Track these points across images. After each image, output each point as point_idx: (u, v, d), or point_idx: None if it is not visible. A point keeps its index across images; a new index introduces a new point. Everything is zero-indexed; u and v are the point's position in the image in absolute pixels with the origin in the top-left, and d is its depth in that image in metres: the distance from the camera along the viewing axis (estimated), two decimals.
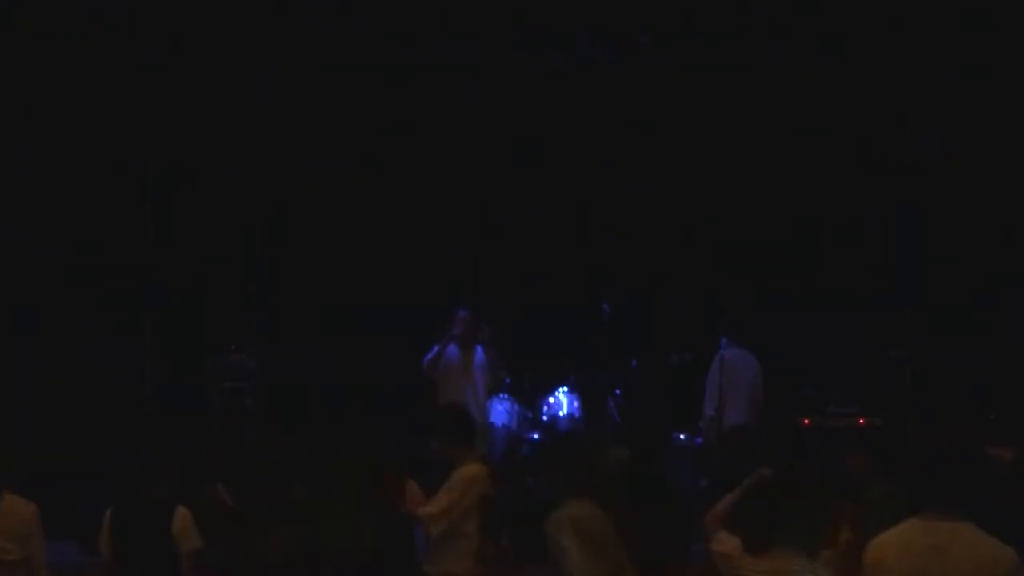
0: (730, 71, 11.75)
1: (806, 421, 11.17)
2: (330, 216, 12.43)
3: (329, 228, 12.42)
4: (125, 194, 11.93)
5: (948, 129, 11.31)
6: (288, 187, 12.26)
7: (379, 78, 12.00)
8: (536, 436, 10.91)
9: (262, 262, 12.09)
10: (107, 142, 11.60)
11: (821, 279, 11.99)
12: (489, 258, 12.22)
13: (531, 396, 11.18)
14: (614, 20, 11.56)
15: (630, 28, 11.59)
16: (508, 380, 11.20)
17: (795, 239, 12.08)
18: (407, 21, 11.68)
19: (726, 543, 5.43)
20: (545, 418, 11.13)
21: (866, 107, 11.48)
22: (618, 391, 11.30)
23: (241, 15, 11.51)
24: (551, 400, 11.21)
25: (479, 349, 10.29)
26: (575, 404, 11.16)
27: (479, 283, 11.37)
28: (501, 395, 11.04)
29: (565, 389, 11.24)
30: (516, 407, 11.00)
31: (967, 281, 11.44)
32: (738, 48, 11.57)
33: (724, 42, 11.55)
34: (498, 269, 12.16)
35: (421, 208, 12.41)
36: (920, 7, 11.11)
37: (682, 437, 10.99)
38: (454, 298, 10.49)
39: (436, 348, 10.18)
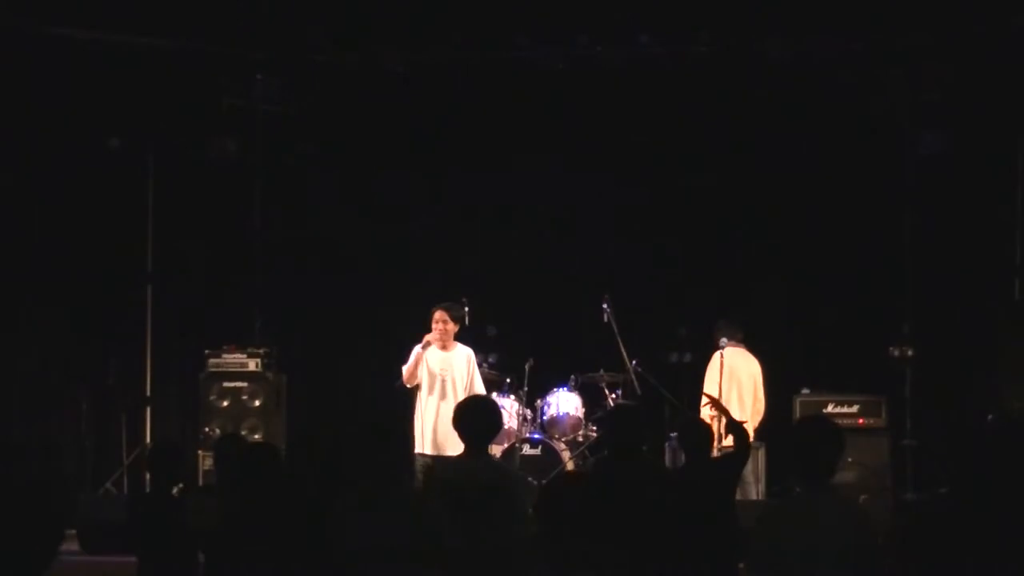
0: (729, 70, 11.75)
1: None
2: (331, 215, 12.44)
3: (330, 227, 12.42)
4: (125, 193, 11.95)
5: (948, 128, 11.31)
6: (288, 186, 12.26)
7: (379, 77, 12.00)
8: (536, 436, 10.90)
9: (262, 261, 12.07)
10: (106, 140, 11.61)
11: (821, 278, 12.01)
12: (489, 257, 12.21)
13: (531, 396, 11.17)
14: (614, 20, 11.57)
15: (630, 28, 11.61)
16: (508, 380, 11.23)
17: (795, 237, 12.09)
18: (408, 21, 11.71)
19: None
20: (545, 418, 11.13)
21: (867, 105, 11.49)
22: (618, 391, 11.29)
23: (243, 12, 11.55)
24: (551, 400, 11.19)
25: (458, 349, 10.23)
26: (575, 404, 11.15)
27: (479, 283, 11.34)
28: (502, 394, 11.04)
29: (565, 389, 11.23)
30: (516, 406, 10.99)
31: (967, 280, 11.45)
32: (737, 47, 11.59)
33: (724, 41, 11.57)
34: (498, 268, 12.16)
35: (422, 207, 12.42)
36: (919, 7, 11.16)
37: None
38: (455, 296, 10.45)
39: (414, 353, 10.13)
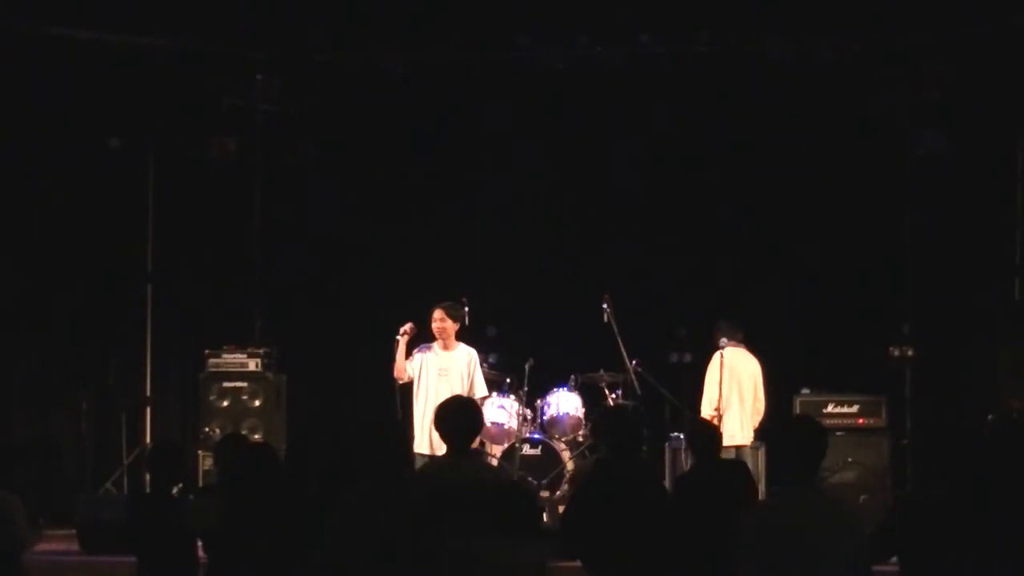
0: (730, 70, 11.76)
1: None
2: (331, 215, 12.44)
3: (330, 227, 12.43)
4: (125, 193, 11.95)
5: (948, 128, 11.31)
6: (288, 186, 12.26)
7: (379, 77, 12.01)
8: (536, 436, 10.90)
9: (262, 261, 12.07)
10: (106, 141, 11.61)
11: (821, 278, 12.00)
12: (489, 257, 12.21)
13: (531, 396, 11.17)
14: (614, 20, 11.58)
15: (630, 28, 11.61)
16: (508, 380, 11.23)
17: (795, 237, 12.09)
18: (408, 21, 11.72)
19: None
20: (545, 418, 11.13)
21: (867, 105, 11.48)
22: (618, 391, 11.29)
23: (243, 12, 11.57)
24: (551, 400, 11.19)
25: (459, 349, 10.23)
26: (575, 404, 11.14)
27: (479, 283, 11.35)
28: (502, 394, 11.04)
29: (565, 389, 11.23)
30: (516, 406, 10.98)
31: (967, 280, 11.44)
32: (738, 46, 11.60)
33: (724, 41, 11.57)
34: (498, 268, 12.16)
35: (422, 207, 12.43)
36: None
37: (681, 437, 11.00)
38: (455, 296, 10.45)
39: (415, 352, 10.13)
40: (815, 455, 5.16)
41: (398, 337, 10.05)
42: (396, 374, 10.10)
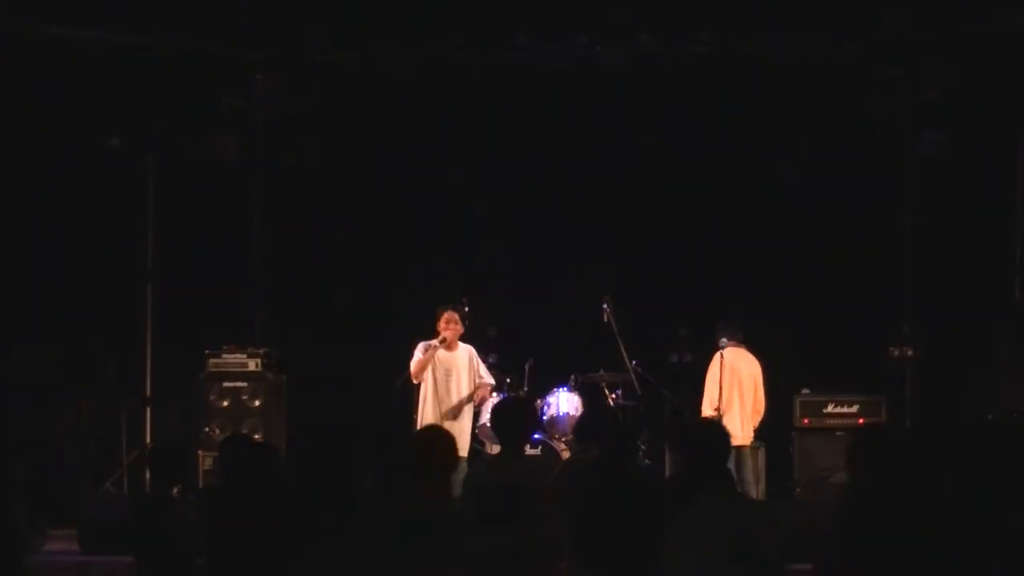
0: (730, 70, 11.76)
1: (806, 421, 11.20)
2: (331, 215, 12.44)
3: (330, 227, 12.43)
4: (125, 193, 11.96)
5: (948, 127, 11.31)
6: (288, 186, 12.26)
7: (379, 77, 12.01)
8: (536, 436, 10.90)
9: (262, 261, 12.07)
10: (106, 141, 11.61)
11: (821, 278, 12.00)
12: (489, 257, 12.22)
13: (531, 396, 11.17)
14: (614, 20, 11.58)
15: (630, 28, 11.62)
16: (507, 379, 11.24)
17: (795, 237, 12.08)
18: (408, 20, 11.72)
19: None
20: (545, 418, 11.13)
21: (867, 105, 11.48)
22: (618, 391, 11.30)
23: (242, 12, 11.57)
24: (551, 400, 11.20)
25: (461, 348, 10.26)
26: (575, 404, 11.15)
27: (479, 283, 11.36)
28: (502, 394, 11.05)
29: (565, 389, 11.23)
30: None
31: (967, 280, 11.44)
32: (738, 46, 11.60)
33: (724, 41, 11.58)
34: (498, 269, 12.17)
35: (421, 207, 12.43)
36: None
37: None
38: (454, 296, 10.47)
39: (420, 350, 10.14)
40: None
41: (435, 343, 10.04)
42: (414, 373, 10.11)
